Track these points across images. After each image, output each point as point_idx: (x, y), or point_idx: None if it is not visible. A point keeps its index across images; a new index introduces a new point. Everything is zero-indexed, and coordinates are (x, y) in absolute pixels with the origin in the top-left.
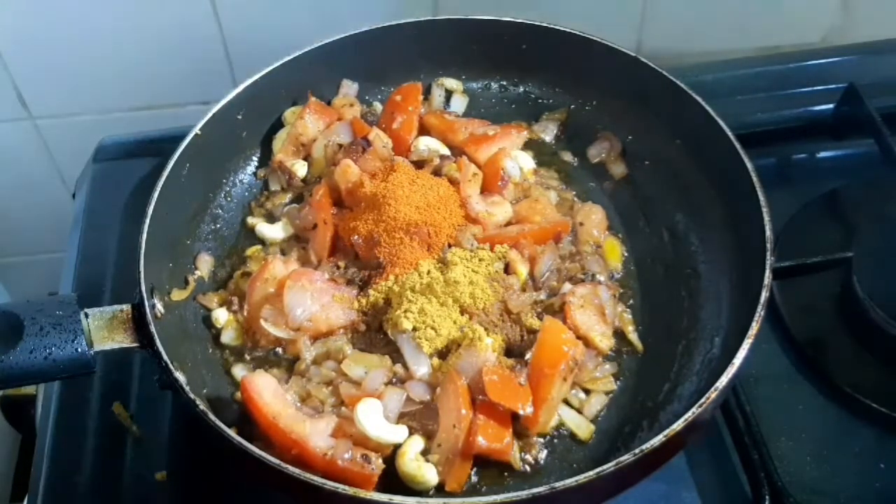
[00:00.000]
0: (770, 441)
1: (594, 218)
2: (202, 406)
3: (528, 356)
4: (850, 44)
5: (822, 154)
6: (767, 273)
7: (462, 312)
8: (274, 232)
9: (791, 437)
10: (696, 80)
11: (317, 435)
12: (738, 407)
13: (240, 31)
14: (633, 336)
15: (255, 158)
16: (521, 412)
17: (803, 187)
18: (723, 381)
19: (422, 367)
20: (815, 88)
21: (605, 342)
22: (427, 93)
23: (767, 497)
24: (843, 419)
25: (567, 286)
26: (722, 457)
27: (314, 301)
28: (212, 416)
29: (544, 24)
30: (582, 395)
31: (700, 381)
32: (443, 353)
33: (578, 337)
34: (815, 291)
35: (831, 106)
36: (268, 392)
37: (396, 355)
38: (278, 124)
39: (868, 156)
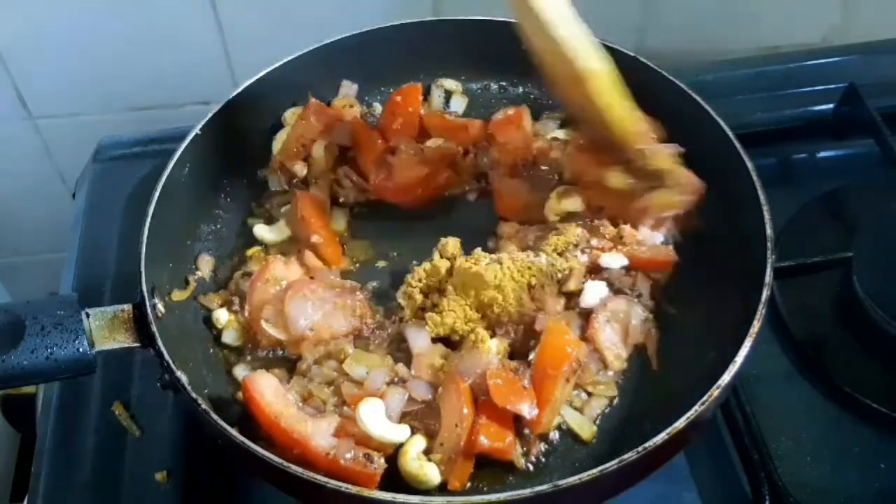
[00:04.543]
0: (770, 441)
1: None
2: (204, 405)
3: (531, 357)
4: (850, 44)
5: (822, 154)
6: (768, 273)
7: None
8: (271, 234)
9: (791, 437)
10: (696, 80)
11: (319, 435)
12: (738, 407)
13: (240, 32)
14: (651, 351)
15: (255, 159)
16: (525, 415)
17: (803, 187)
18: (723, 380)
19: (420, 341)
20: (815, 88)
21: (617, 364)
22: (427, 93)
23: (767, 497)
24: (843, 419)
25: (602, 291)
26: (722, 457)
27: (316, 310)
28: (214, 416)
29: None
30: (584, 395)
31: (700, 380)
32: (447, 343)
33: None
34: (815, 291)
35: (831, 106)
36: (269, 392)
37: (398, 354)
38: (278, 124)
39: (868, 156)
